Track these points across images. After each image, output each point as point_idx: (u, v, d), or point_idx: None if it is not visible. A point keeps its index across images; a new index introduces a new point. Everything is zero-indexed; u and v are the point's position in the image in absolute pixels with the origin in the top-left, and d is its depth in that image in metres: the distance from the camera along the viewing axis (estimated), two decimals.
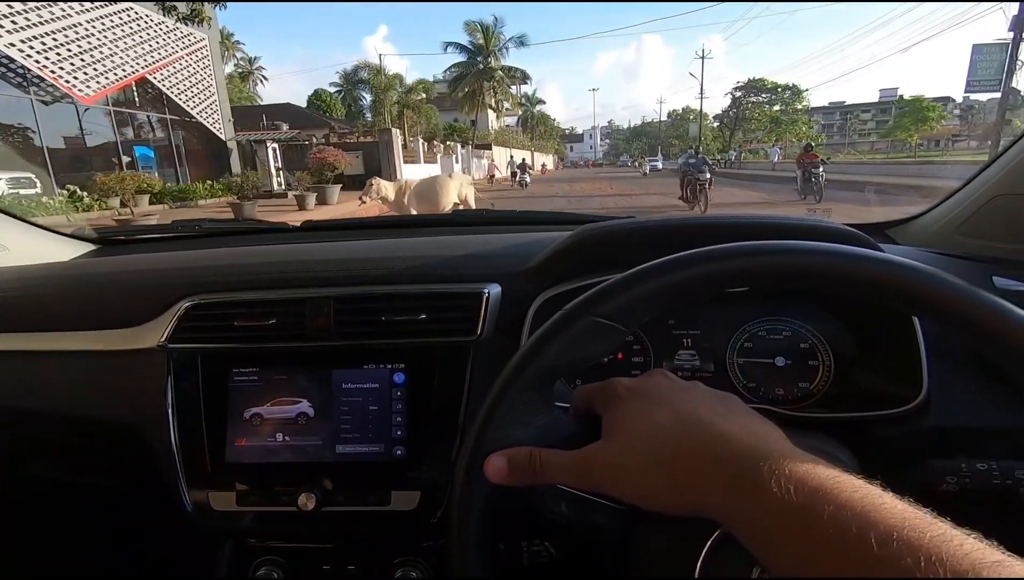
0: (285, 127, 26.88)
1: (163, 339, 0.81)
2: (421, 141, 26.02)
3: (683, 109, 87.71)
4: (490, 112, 50.82)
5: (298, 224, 1.37)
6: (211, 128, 18.83)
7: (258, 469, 0.77)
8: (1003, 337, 0.37)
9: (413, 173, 25.05)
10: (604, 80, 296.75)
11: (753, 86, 46.25)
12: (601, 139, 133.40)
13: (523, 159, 33.03)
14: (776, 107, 46.14)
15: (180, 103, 17.42)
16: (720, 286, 0.43)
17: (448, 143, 32.80)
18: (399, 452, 0.76)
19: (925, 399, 0.64)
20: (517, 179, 25.39)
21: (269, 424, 0.78)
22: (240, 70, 58.30)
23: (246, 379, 0.79)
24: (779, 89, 45.44)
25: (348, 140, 24.10)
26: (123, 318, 0.85)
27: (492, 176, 32.06)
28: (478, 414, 0.43)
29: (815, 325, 0.75)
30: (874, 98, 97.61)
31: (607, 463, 0.38)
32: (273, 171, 19.78)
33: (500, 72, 40.04)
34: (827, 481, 0.31)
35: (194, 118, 18.04)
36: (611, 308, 0.43)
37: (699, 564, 0.37)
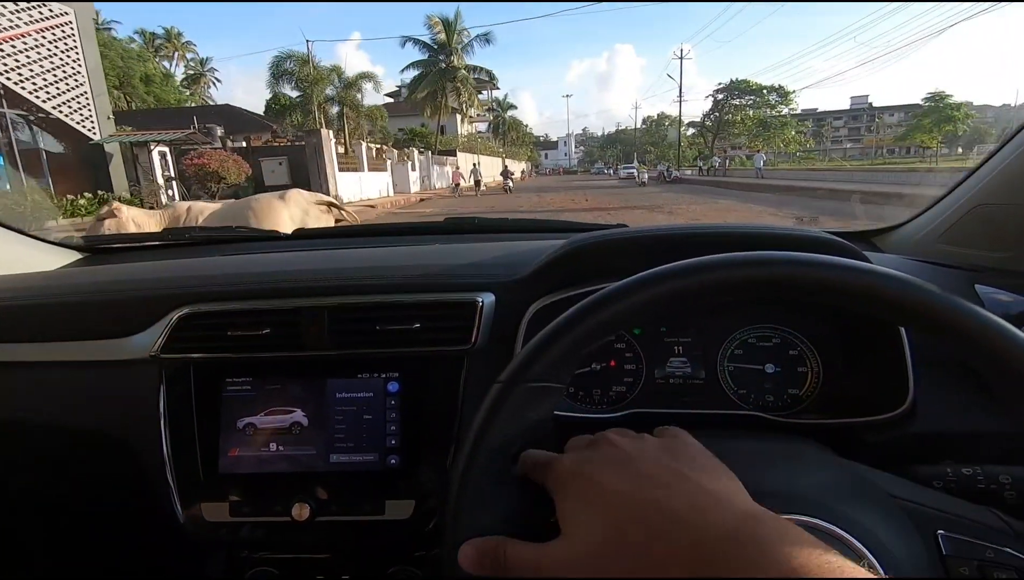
0: (219, 131, 22.67)
1: (155, 349, 0.79)
2: (365, 145, 21.86)
3: (658, 115, 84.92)
4: (459, 117, 47.03)
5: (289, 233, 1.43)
6: (77, 127, 14.59)
7: (251, 479, 0.76)
8: (998, 353, 0.38)
9: (351, 183, 20.98)
10: (577, 88, 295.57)
11: (736, 88, 42.89)
12: (576, 146, 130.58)
13: (505, 165, 35.83)
14: (760, 110, 42.90)
15: (24, 94, 13.18)
16: (649, 314, 0.44)
17: (405, 149, 28.75)
18: (393, 461, 0.76)
19: (911, 405, 0.66)
20: (503, 185, 26.37)
21: (262, 434, 0.77)
22: (192, 72, 53.98)
23: (239, 389, 0.78)
24: (764, 91, 42.11)
25: (272, 143, 19.96)
26: (114, 328, 0.83)
27: (457, 184, 28.39)
28: (448, 503, 0.42)
29: (804, 332, 0.76)
30: (845, 105, 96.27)
31: (567, 566, 0.37)
32: (161, 181, 15.54)
33: (463, 71, 36.15)
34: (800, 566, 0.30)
35: (49, 114, 13.81)
36: (539, 370, 0.43)
37: None
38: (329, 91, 24.02)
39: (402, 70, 37.00)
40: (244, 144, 19.18)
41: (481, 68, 37.67)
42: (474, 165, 32.00)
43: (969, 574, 0.42)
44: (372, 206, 17.56)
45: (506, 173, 30.32)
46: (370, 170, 22.76)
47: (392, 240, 1.35)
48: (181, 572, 0.95)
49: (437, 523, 0.74)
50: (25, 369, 0.87)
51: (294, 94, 23.63)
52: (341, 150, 21.05)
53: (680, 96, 41.04)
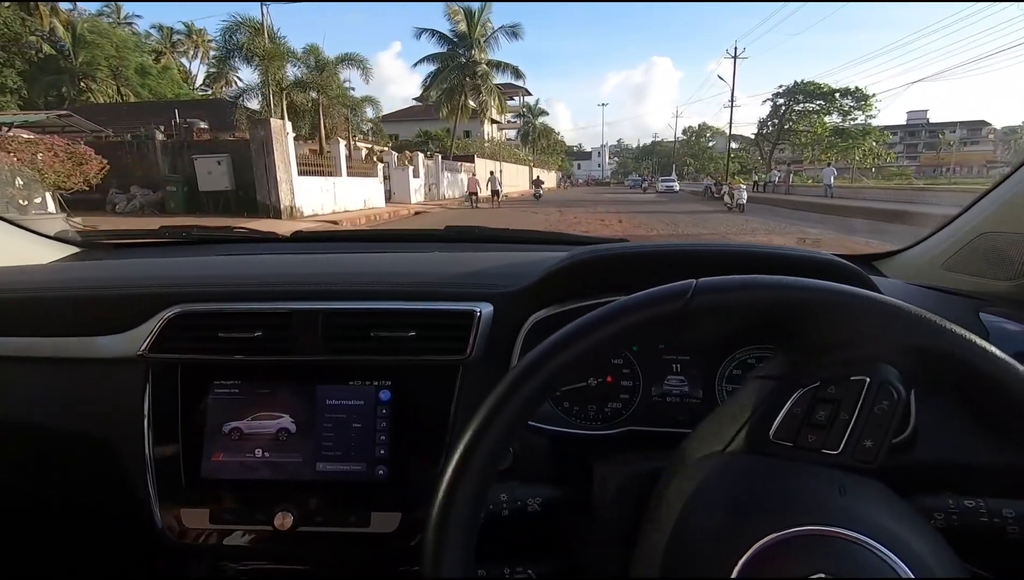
0: (202, 124, 18.22)
1: (144, 348, 0.77)
2: (343, 145, 17.03)
3: (699, 126, 78.73)
4: (482, 119, 42.13)
5: (287, 234, 1.35)
6: None
7: (234, 486, 0.75)
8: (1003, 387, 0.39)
9: (321, 190, 16.21)
10: (613, 100, 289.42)
11: (801, 91, 36.40)
12: (610, 157, 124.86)
13: (538, 175, 36.07)
14: (831, 117, 36.40)
15: None
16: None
17: (407, 152, 23.90)
18: (381, 472, 0.74)
19: (912, 434, 0.65)
20: (533, 193, 24.60)
21: (248, 439, 0.75)
22: (213, 69, 50.96)
23: (227, 392, 0.76)
24: (836, 95, 35.58)
25: (209, 138, 15.30)
26: (103, 325, 0.81)
27: (473, 194, 23.88)
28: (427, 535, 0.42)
29: None
30: (900, 120, 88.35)
31: None
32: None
33: (485, 66, 31.17)
34: None
35: None
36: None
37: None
38: (297, 73, 19.18)
39: (415, 64, 32.21)
40: (164, 137, 14.49)
41: (506, 64, 32.68)
42: (491, 173, 26.99)
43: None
44: (335, 222, 12.86)
45: (538, 182, 30.95)
46: (353, 174, 17.90)
47: (391, 246, 1.33)
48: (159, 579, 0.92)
49: (422, 538, 0.69)
50: (8, 363, 0.84)
51: (256, 77, 18.74)
52: (311, 149, 16.38)
53: (732, 100, 35.10)
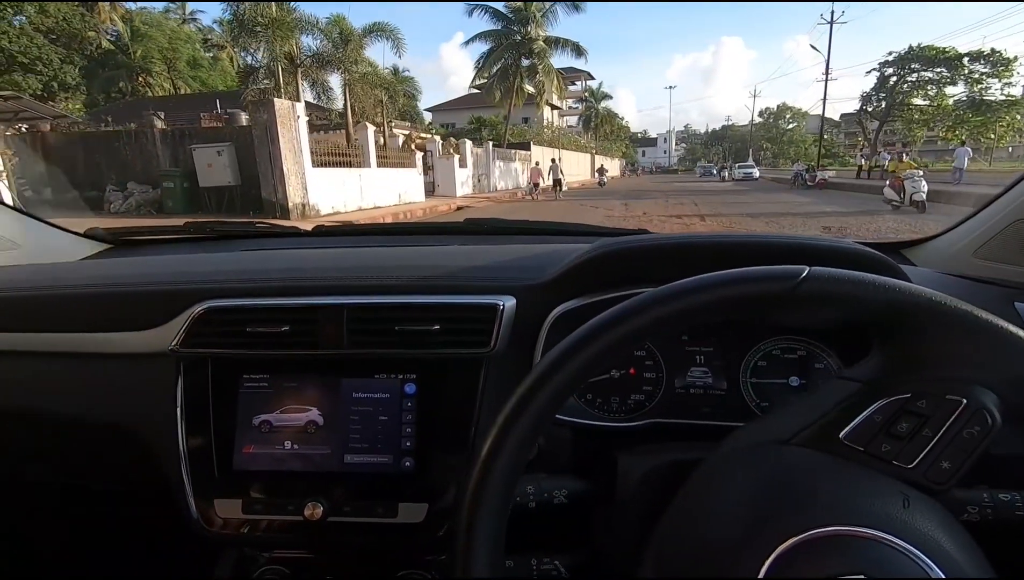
0: (243, 116, 16.45)
1: (175, 343, 0.78)
2: (372, 130, 14.51)
3: (778, 107, 72.04)
4: (540, 102, 39.08)
5: (309, 228, 1.37)
6: None
7: (265, 477, 0.75)
8: None
9: (343, 184, 13.85)
10: (679, 84, 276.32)
11: (917, 57, 30.00)
12: (676, 143, 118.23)
13: (601, 164, 34.25)
14: (954, 87, 29.96)
15: None
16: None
17: (453, 140, 21.28)
18: (408, 464, 0.74)
19: None
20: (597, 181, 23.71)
21: (278, 432, 0.76)
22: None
23: (256, 386, 0.77)
24: (963, 60, 28.92)
25: (215, 126, 13.19)
26: (134, 321, 0.82)
27: (536, 185, 21.36)
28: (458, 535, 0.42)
29: (831, 345, 0.73)
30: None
31: None
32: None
33: (542, 43, 28.03)
34: None
35: None
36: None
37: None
38: (316, 46, 16.59)
39: (465, 42, 29.50)
40: (164, 125, 12.44)
41: (566, 40, 29.33)
42: (553, 161, 24.05)
43: (889, 448, 0.44)
44: (349, 224, 10.35)
45: (601, 170, 30.42)
46: (386, 165, 15.43)
47: (411, 239, 1.34)
48: (191, 568, 0.93)
49: (449, 529, 0.70)
50: (44, 359, 0.86)
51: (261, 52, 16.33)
52: (333, 139, 13.98)
53: (827, 70, 29.53)
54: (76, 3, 30.97)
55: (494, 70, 28.97)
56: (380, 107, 17.56)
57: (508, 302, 0.77)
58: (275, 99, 11.27)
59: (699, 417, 0.75)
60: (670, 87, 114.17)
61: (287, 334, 0.76)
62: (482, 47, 28.95)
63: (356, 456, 0.75)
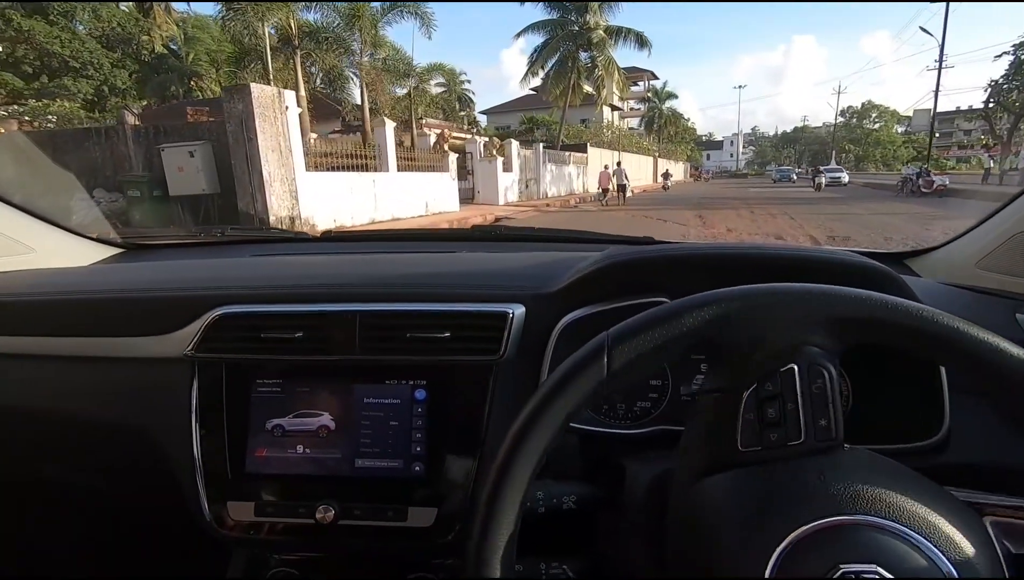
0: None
1: (190, 348, 0.79)
2: (392, 126, 11.92)
3: (863, 105, 65.28)
4: (605, 109, 35.78)
5: (319, 234, 1.41)
6: None
7: (277, 480, 0.76)
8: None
9: (353, 191, 11.22)
10: (745, 84, 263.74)
11: None
12: (744, 146, 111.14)
13: (667, 168, 34.72)
14: None
15: None
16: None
17: (499, 140, 18.48)
18: (418, 468, 0.75)
19: (946, 434, 0.64)
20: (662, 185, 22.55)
21: (290, 436, 0.77)
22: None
23: (269, 390, 0.78)
24: None
25: (193, 121, 10.91)
26: (150, 326, 0.83)
27: (606, 190, 19.01)
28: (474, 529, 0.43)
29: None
30: None
31: None
32: None
33: (601, 32, 24.82)
34: None
35: None
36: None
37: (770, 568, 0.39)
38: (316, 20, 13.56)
39: (517, 35, 26.59)
40: (137, 121, 10.19)
41: (628, 30, 26.01)
42: (618, 164, 20.92)
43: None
44: (357, 230, 7.72)
45: (666, 175, 29.94)
46: (410, 169, 12.79)
47: (420, 245, 1.34)
48: (203, 569, 0.94)
49: (458, 533, 0.73)
50: (60, 363, 0.87)
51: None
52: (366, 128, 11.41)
53: (941, 57, 24.56)
54: (132, 6, 30.47)
55: (549, 65, 26.02)
56: (408, 101, 14.81)
57: (518, 310, 0.77)
58: (251, 84, 8.76)
59: None
60: (740, 86, 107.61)
61: (300, 340, 0.76)
62: (536, 40, 26.07)
63: (367, 460, 0.75)
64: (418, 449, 0.75)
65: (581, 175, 26.59)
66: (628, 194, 19.98)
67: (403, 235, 1.51)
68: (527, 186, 20.31)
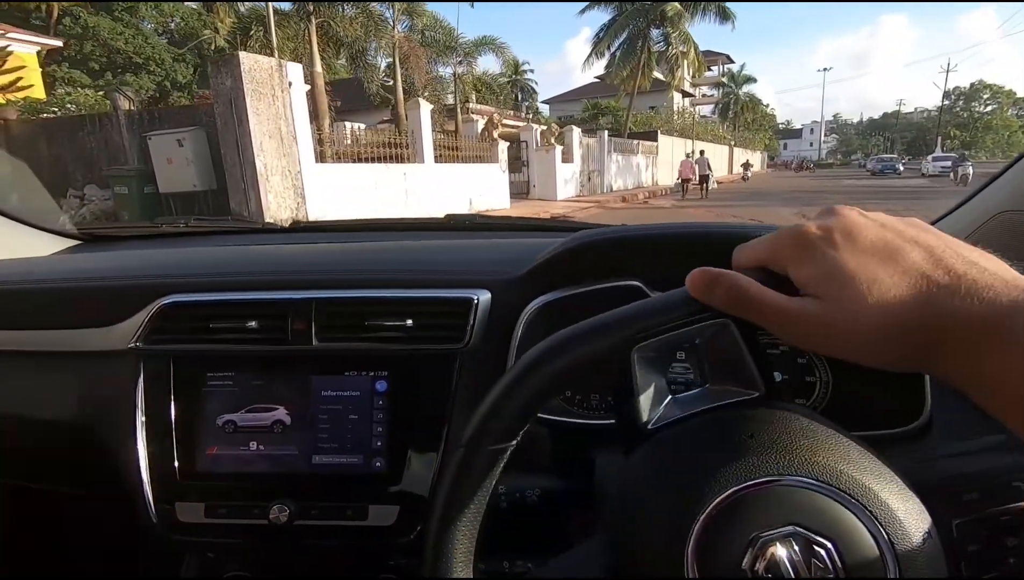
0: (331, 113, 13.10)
1: (135, 340, 0.75)
2: (428, 109, 9.90)
3: (971, 86, 57.70)
4: (676, 94, 32.71)
5: (286, 225, 1.36)
6: None
7: (229, 479, 0.73)
8: None
9: (368, 191, 9.12)
10: (831, 67, 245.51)
11: None
12: (826, 134, 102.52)
13: (747, 159, 32.96)
14: None
15: None
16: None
17: (554, 126, 16.20)
18: (378, 464, 0.72)
19: (927, 420, 0.64)
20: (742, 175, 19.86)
21: (243, 432, 0.73)
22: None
23: (220, 384, 0.74)
24: None
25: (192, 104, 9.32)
26: (95, 317, 0.79)
27: (687, 181, 17.10)
28: (483, 401, 0.40)
29: None
30: None
31: (827, 323, 0.34)
32: None
33: (677, 4, 21.87)
34: None
35: None
36: (496, 433, 0.41)
37: (690, 545, 0.35)
38: None
39: (581, 11, 23.97)
40: (131, 106, 8.64)
41: (709, 2, 22.89)
42: (700, 153, 18.40)
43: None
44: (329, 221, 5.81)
45: (747, 165, 28.54)
46: (452, 159, 10.80)
47: (389, 235, 1.27)
48: (153, 574, 0.92)
49: (421, 531, 0.70)
50: (0, 357, 0.83)
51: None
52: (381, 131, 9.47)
53: None
54: (195, 3, 30.30)
55: (616, 45, 23.37)
56: (455, 82, 12.72)
57: (483, 296, 0.73)
58: (240, 54, 6.94)
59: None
60: (824, 68, 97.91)
61: (254, 329, 0.73)
62: (602, 18, 23.44)
63: (325, 457, 0.72)
64: (379, 443, 0.71)
65: (650, 166, 23.80)
66: (712, 186, 17.25)
67: (374, 225, 1.36)
68: (589, 179, 17.92)
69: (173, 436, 0.73)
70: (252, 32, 11.08)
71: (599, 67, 25.16)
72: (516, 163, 14.62)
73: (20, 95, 13.23)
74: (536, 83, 41.75)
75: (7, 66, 13.44)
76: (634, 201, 16.99)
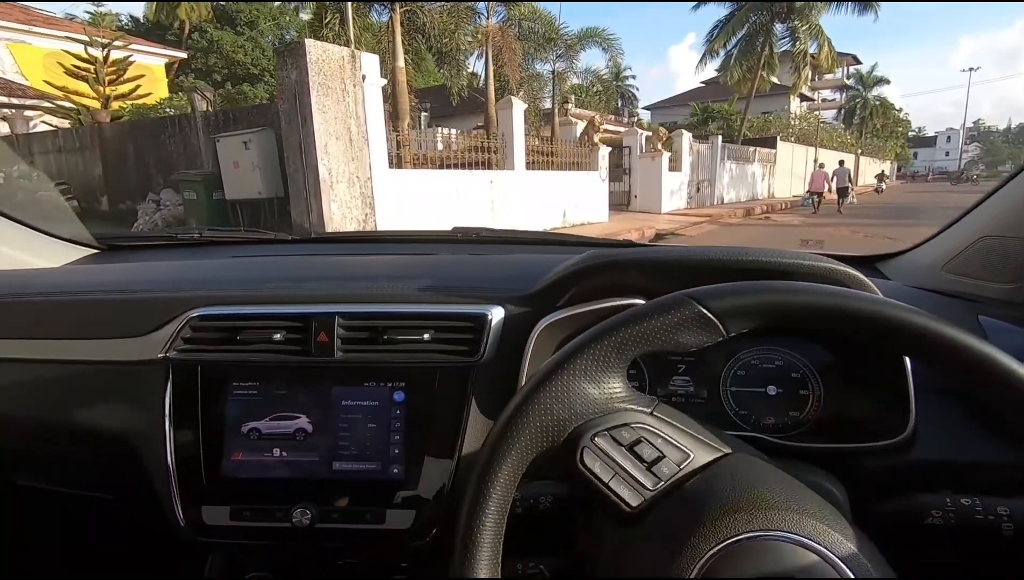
0: (424, 113, 12.80)
1: (165, 350, 0.77)
2: (521, 109, 8.60)
3: None
4: (793, 101, 29.46)
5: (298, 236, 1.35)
6: None
7: (253, 484, 0.75)
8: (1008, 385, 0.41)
9: (450, 201, 7.75)
10: (978, 67, 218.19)
11: None
12: (966, 142, 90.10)
13: (883, 170, 31.11)
14: None
15: None
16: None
17: (667, 133, 14.44)
18: (396, 471, 0.74)
19: (912, 433, 0.66)
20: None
21: (267, 439, 0.75)
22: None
23: (245, 393, 0.77)
24: None
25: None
26: (125, 328, 0.81)
27: (818, 195, 14.78)
28: (516, 398, 0.45)
29: (807, 355, 0.76)
30: None
31: None
32: None
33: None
34: None
35: None
36: (719, 306, 0.46)
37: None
38: None
39: (695, 7, 21.64)
40: (207, 107, 8.04)
41: None
42: (840, 163, 16.14)
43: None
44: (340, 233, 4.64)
45: (882, 176, 26.41)
46: (547, 166, 9.48)
47: (401, 247, 1.32)
48: (178, 575, 0.93)
49: (436, 535, 0.73)
50: (33, 366, 0.85)
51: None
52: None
53: None
54: (307, 16, 31.48)
55: (733, 42, 20.98)
56: (554, 79, 11.30)
57: (496, 312, 0.76)
58: (307, 41, 5.97)
59: None
60: (970, 68, 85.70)
61: (278, 342, 0.76)
62: (715, 15, 21.11)
63: (344, 463, 0.74)
64: (396, 451, 0.74)
65: (767, 176, 21.12)
66: (850, 200, 14.65)
67: (385, 237, 1.49)
68: (698, 189, 15.86)
69: (200, 443, 0.75)
70: (327, 21, 10.27)
71: (708, 72, 22.82)
72: (616, 171, 13.00)
73: (138, 102, 13.76)
74: (637, 88, 39.64)
75: (128, 75, 14.06)
76: (752, 215, 14.74)
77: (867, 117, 41.98)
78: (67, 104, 12.62)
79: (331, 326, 0.75)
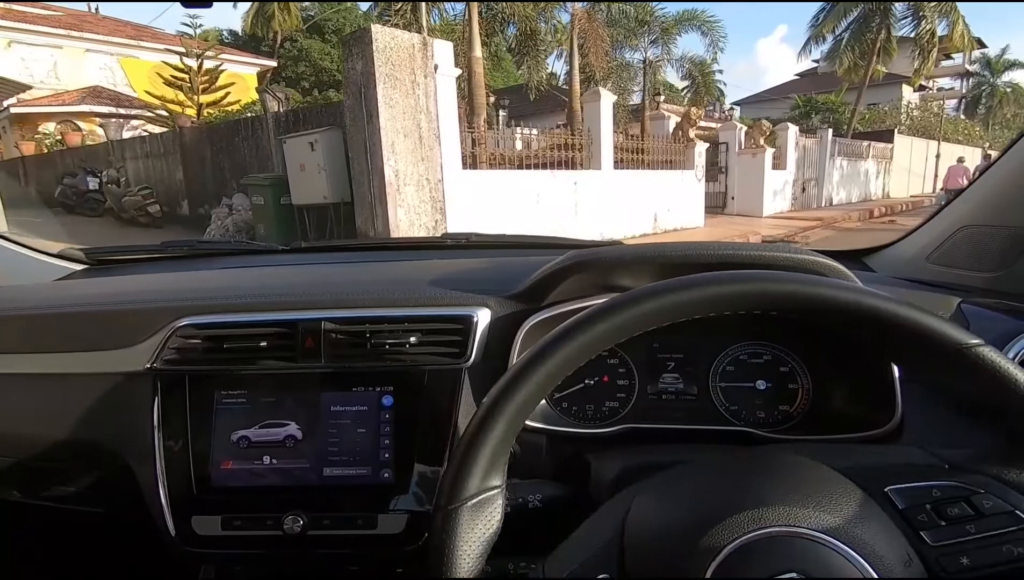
0: (502, 112, 12.37)
1: (152, 361, 0.77)
2: (610, 102, 7.58)
3: None
4: (906, 91, 26.38)
5: (287, 246, 1.37)
6: None
7: (244, 492, 0.75)
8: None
9: (529, 205, 6.69)
10: None
11: None
12: None
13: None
14: None
15: None
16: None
17: (770, 127, 12.87)
18: (386, 475, 0.74)
19: (898, 423, 0.67)
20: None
21: (256, 447, 0.75)
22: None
23: (234, 401, 0.77)
24: None
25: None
26: (111, 340, 0.81)
27: (957, 193, 11.06)
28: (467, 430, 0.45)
29: (794, 349, 0.76)
30: None
31: None
32: None
33: None
34: None
35: None
36: (475, 482, 0.46)
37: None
38: None
39: None
40: (278, 108, 7.62)
41: None
42: (959, 160, 13.92)
43: (927, 520, 0.45)
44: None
45: None
46: (636, 165, 8.44)
47: (388, 255, 1.31)
48: None
49: (428, 538, 0.71)
50: (20, 381, 0.85)
51: None
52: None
53: None
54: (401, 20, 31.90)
55: (842, 26, 18.73)
56: (645, 69, 10.14)
57: (483, 313, 0.76)
58: (373, 27, 5.30)
59: (671, 421, 0.76)
60: None
61: (265, 349, 0.75)
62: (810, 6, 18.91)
63: (335, 469, 0.74)
64: (386, 456, 0.74)
65: (882, 173, 18.65)
66: None
67: (373, 245, 1.48)
68: (804, 189, 14.07)
69: (189, 452, 0.74)
70: (399, 8, 9.66)
71: (803, 63, 20.57)
72: (711, 170, 11.64)
73: (228, 109, 14.09)
74: (725, 84, 37.13)
75: (219, 83, 14.45)
76: (870, 218, 12.82)
77: (994, 106, 36.92)
78: (164, 112, 13.09)
79: (318, 332, 0.74)
